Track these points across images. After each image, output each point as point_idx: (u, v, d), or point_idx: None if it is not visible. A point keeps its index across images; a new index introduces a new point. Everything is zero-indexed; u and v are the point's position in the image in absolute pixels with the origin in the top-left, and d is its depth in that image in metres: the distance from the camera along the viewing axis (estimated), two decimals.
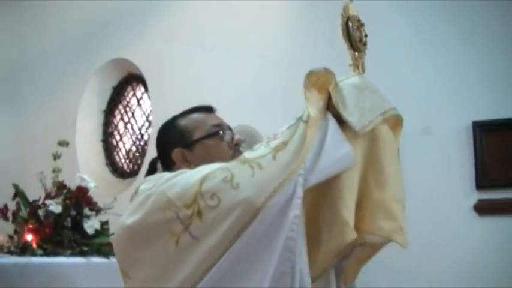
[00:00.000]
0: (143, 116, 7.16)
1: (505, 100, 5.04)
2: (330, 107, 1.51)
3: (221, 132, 1.77)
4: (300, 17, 6.63)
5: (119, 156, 7.07)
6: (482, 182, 4.89)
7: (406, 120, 1.72)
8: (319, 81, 1.54)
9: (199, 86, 6.83)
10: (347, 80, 1.59)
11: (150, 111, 7.04)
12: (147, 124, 7.11)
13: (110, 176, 7.09)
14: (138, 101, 7.19)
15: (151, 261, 1.44)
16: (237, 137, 1.82)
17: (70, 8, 7.44)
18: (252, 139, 6.25)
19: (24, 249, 3.61)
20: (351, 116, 1.49)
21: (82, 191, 4.06)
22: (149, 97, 7.12)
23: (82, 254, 3.86)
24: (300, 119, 1.47)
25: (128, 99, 7.19)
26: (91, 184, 4.15)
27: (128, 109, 7.16)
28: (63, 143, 4.25)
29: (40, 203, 3.99)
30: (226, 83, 6.76)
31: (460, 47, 5.26)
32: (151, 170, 5.42)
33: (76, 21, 7.45)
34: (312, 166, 1.41)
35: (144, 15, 7.20)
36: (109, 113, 7.18)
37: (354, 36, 1.67)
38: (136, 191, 1.69)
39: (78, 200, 4.02)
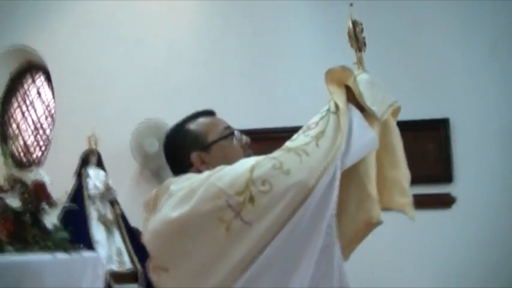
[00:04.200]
0: (43, 106, 6.88)
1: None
2: (349, 99, 1.68)
3: (234, 133, 1.85)
4: (208, 13, 6.87)
5: (15, 146, 6.73)
6: None
7: None
8: (335, 77, 1.68)
9: (106, 78, 6.79)
10: (359, 76, 1.73)
11: (52, 101, 6.79)
12: (47, 114, 6.85)
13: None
14: (38, 90, 6.90)
15: (199, 250, 1.48)
16: (245, 137, 1.88)
17: None
18: (159, 131, 6.40)
19: None
20: (372, 106, 1.65)
21: (40, 187, 3.99)
22: (50, 87, 6.87)
23: (47, 249, 3.81)
24: (328, 110, 1.61)
25: (26, 88, 6.87)
26: (46, 178, 4.09)
27: (26, 98, 6.85)
28: None
29: None
30: (134, 75, 6.78)
31: None
32: (84, 163, 5.38)
33: None
34: (345, 151, 1.54)
35: (49, 0, 6.93)
36: (5, 101, 6.80)
37: (360, 39, 1.81)
38: (158, 192, 1.79)
39: (37, 195, 3.94)
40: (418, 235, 5.46)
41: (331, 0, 6.04)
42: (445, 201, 5.73)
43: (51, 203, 4.07)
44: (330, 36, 6.00)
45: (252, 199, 1.43)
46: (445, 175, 5.77)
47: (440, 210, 5.69)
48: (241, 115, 6.38)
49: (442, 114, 5.86)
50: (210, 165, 1.72)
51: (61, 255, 3.89)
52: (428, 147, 5.84)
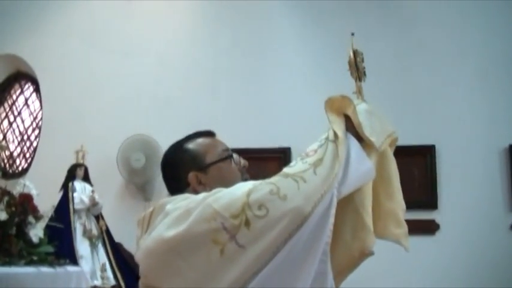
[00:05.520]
0: (31, 117, 6.84)
1: None
2: (348, 128, 1.68)
3: (232, 156, 1.85)
4: (200, 27, 6.92)
5: (1, 156, 6.68)
6: None
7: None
8: (335, 105, 1.70)
9: (95, 90, 6.77)
10: (359, 105, 1.74)
11: (39, 112, 6.76)
12: (34, 125, 6.81)
13: None
14: (26, 100, 6.87)
15: (191, 271, 1.47)
16: (243, 160, 1.89)
17: None
18: (146, 146, 6.39)
19: None
20: (371, 136, 1.66)
21: (27, 198, 3.96)
22: (38, 97, 6.83)
23: (31, 263, 3.78)
24: (327, 139, 1.63)
25: (14, 98, 6.84)
26: (34, 191, 4.07)
27: (14, 108, 6.82)
28: None
29: None
30: (124, 88, 6.79)
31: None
32: (71, 177, 5.32)
33: None
34: (342, 180, 1.56)
35: (40, 10, 6.93)
36: None
37: (360, 69, 1.84)
38: (153, 210, 1.79)
39: (24, 207, 3.91)
40: (402, 261, 5.46)
41: (324, 26, 6.16)
42: (430, 228, 5.78)
43: (38, 216, 4.04)
44: (322, 61, 6.11)
45: (247, 223, 1.43)
46: (430, 201, 5.83)
47: (424, 236, 5.72)
48: (229, 133, 6.38)
49: (428, 141, 5.93)
50: (207, 186, 1.72)
51: (45, 269, 3.86)
52: (414, 173, 5.90)
